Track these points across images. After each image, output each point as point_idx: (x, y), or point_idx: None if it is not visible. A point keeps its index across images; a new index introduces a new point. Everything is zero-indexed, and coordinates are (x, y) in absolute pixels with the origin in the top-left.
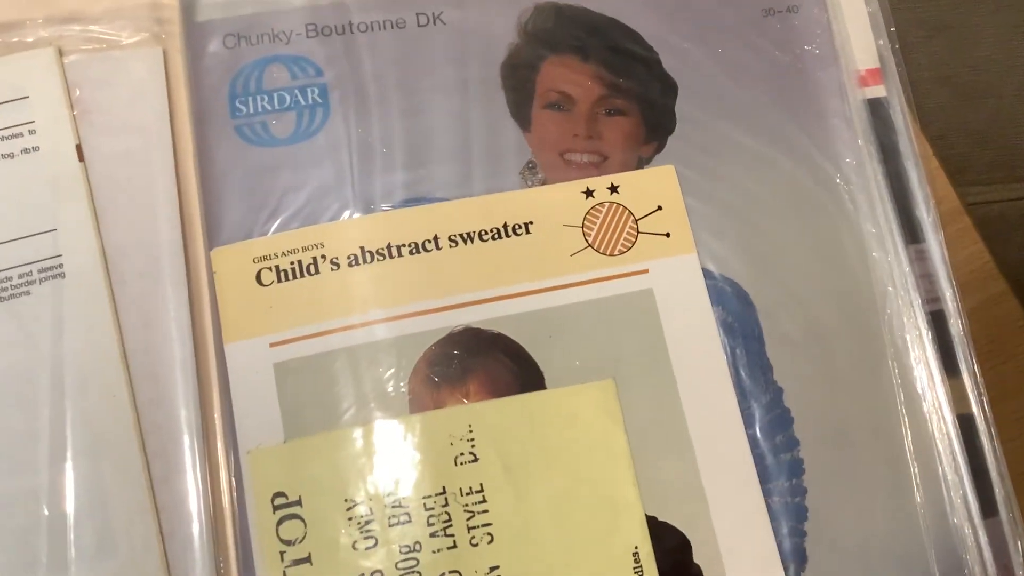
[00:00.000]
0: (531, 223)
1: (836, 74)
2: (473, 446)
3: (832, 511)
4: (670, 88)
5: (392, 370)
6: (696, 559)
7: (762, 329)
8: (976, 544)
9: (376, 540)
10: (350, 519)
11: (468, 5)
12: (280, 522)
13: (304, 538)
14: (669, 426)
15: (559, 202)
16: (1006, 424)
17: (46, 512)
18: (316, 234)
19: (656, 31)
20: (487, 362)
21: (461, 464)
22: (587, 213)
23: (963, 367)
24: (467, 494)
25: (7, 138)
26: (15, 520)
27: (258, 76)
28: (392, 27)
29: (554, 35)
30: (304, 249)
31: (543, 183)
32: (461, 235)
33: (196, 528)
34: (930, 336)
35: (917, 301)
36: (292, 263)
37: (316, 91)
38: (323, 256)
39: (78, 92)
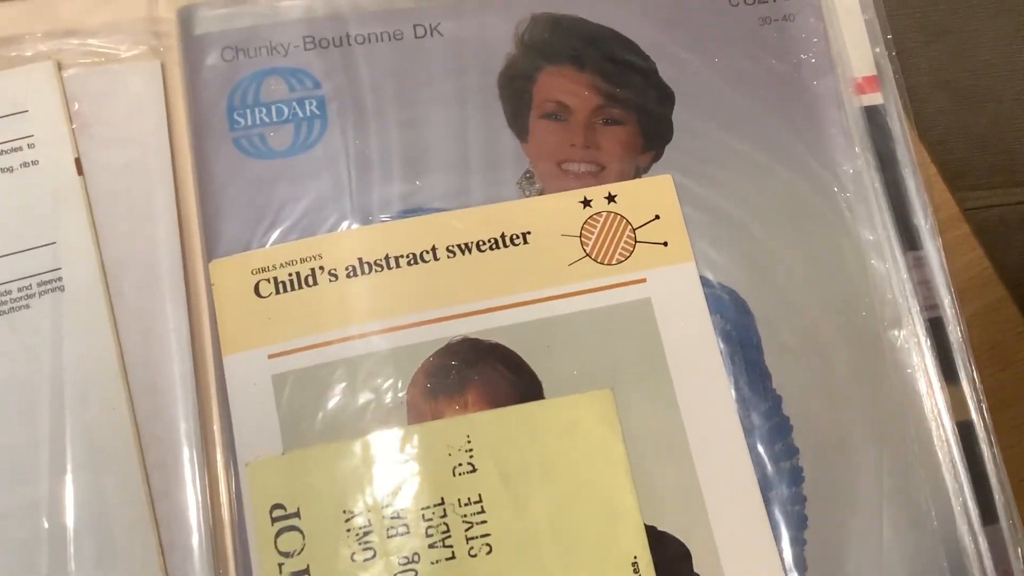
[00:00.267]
0: (529, 233)
1: (833, 82)
2: (471, 456)
3: (832, 519)
4: (667, 97)
5: (390, 381)
6: (696, 569)
7: (761, 337)
8: (976, 551)
9: (375, 551)
10: (348, 531)
11: (465, 16)
12: (279, 534)
13: (303, 550)
14: (668, 435)
15: (557, 212)
16: (1006, 431)
17: (46, 524)
18: (314, 246)
19: (653, 40)
20: (485, 372)
21: (459, 475)
22: (585, 223)
23: (962, 374)
24: (465, 505)
25: (6, 152)
26: (16, 532)
27: (256, 88)
28: (389, 39)
29: (551, 45)
30: (302, 261)
31: (540, 193)
32: (459, 245)
33: (196, 540)
34: (929, 343)
35: (916, 308)
36: (290, 275)
37: (314, 103)
38: (321, 267)
39: (77, 105)
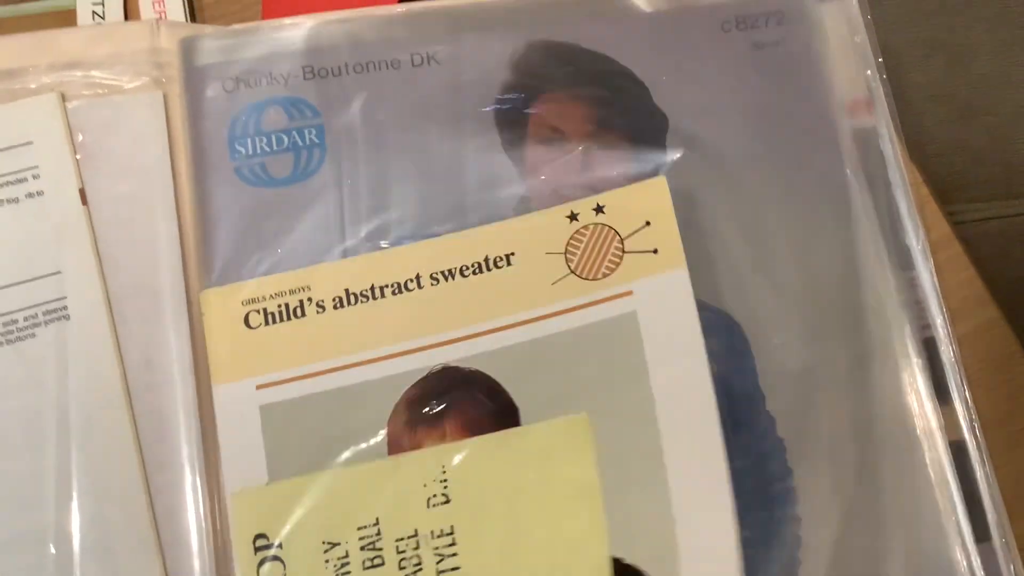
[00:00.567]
0: (513, 254)
1: (825, 105)
2: (445, 487)
3: (826, 540)
4: (661, 122)
5: (374, 412)
6: None
7: (754, 360)
8: (969, 569)
9: None
10: (327, 561)
11: (461, 44)
12: (260, 564)
13: None
14: (644, 461)
15: (542, 229)
16: (999, 450)
17: (53, 551)
18: (303, 277)
19: (646, 66)
20: (462, 401)
21: (433, 506)
22: (570, 238)
23: (955, 394)
24: (438, 536)
25: (12, 183)
26: (23, 559)
27: (256, 118)
28: (387, 67)
29: (546, 72)
30: (291, 292)
31: None
32: (443, 272)
33: (198, 565)
34: (922, 363)
35: (908, 328)
36: (279, 306)
37: (313, 132)
38: (309, 299)
39: (81, 137)
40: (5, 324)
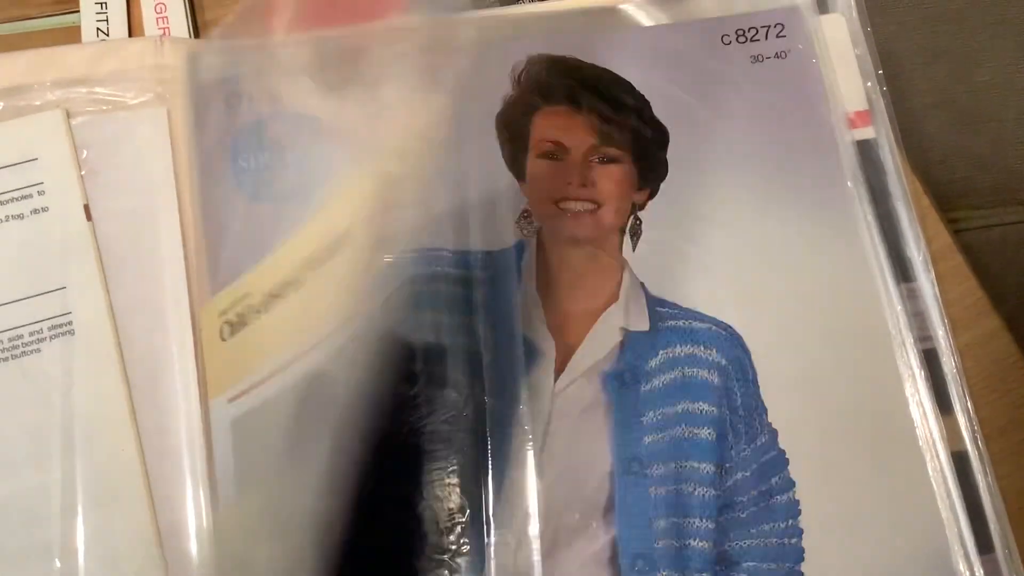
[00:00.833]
0: None
1: (825, 117)
2: None
3: (829, 552)
4: (662, 135)
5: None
6: None
7: (756, 371)
8: None
9: None
10: None
11: (462, 59)
12: None
13: None
14: None
15: None
16: (1001, 460)
17: (58, 564)
18: (245, 284)
19: (647, 80)
20: None
21: None
22: None
23: (957, 405)
24: None
25: (17, 199)
26: (28, 573)
27: (260, 133)
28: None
29: (547, 86)
30: (239, 300)
31: (539, 231)
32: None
33: None
34: (923, 374)
35: (910, 340)
36: (236, 315)
37: (314, 148)
38: (249, 305)
39: (85, 153)
40: (11, 339)
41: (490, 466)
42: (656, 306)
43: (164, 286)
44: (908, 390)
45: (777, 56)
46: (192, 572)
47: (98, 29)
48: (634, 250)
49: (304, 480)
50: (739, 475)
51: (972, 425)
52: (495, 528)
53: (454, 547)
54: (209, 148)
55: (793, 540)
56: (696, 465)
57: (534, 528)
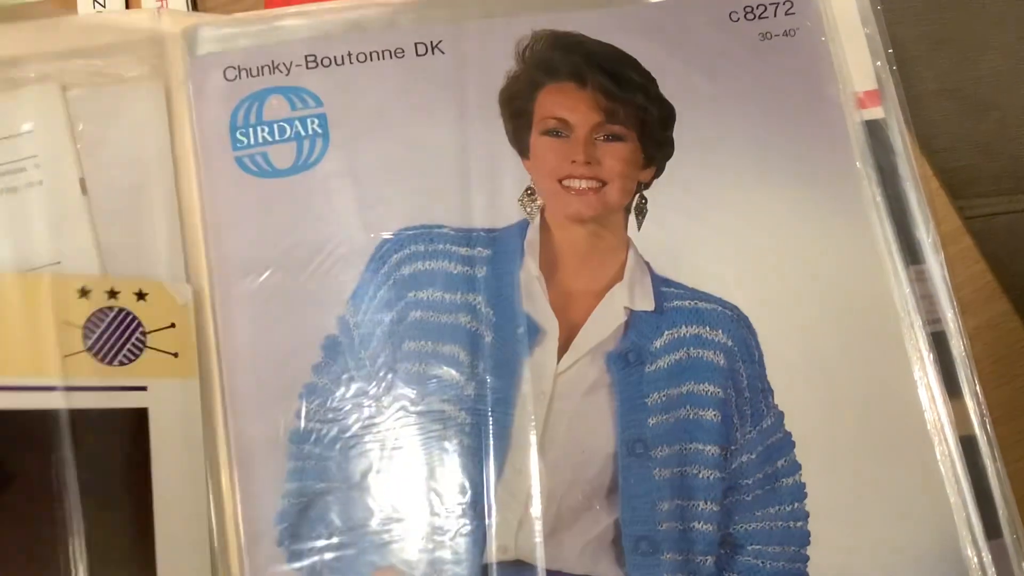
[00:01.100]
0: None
1: (834, 97)
2: None
3: (835, 535)
4: (668, 113)
5: None
6: None
7: (762, 353)
8: (980, 565)
9: None
10: None
11: (466, 34)
12: None
13: None
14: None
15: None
16: (1009, 445)
17: None
18: None
19: (654, 57)
20: None
21: None
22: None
23: (965, 388)
24: None
25: (11, 172)
26: None
27: (258, 108)
28: (391, 56)
29: (552, 62)
30: None
31: (542, 210)
32: None
33: None
34: (932, 357)
35: (918, 322)
36: None
37: (316, 122)
38: None
39: (81, 126)
40: None
41: (491, 446)
42: (661, 286)
43: (161, 262)
44: (916, 373)
45: (785, 34)
46: None
47: (95, 1)
48: (639, 229)
49: None
50: (744, 457)
51: (981, 409)
52: (496, 509)
53: (455, 528)
54: (208, 122)
55: (799, 523)
56: (701, 447)
57: (536, 509)
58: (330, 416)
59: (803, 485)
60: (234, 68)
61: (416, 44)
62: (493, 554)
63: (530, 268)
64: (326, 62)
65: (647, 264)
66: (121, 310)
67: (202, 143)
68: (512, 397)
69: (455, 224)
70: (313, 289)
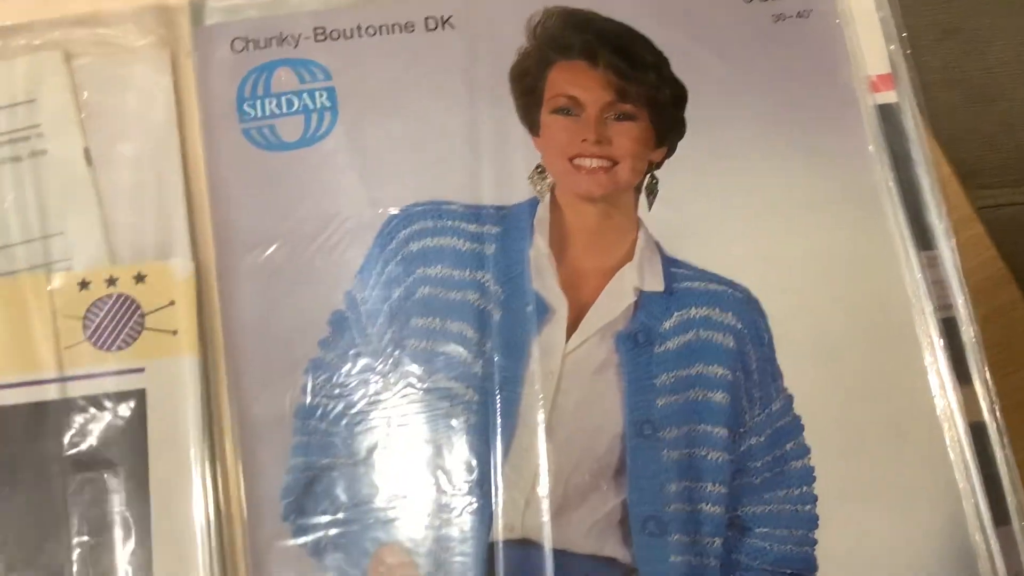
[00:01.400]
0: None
1: (847, 80)
2: None
3: (844, 519)
4: (680, 93)
5: None
6: None
7: (772, 336)
8: (988, 552)
9: None
10: None
11: (477, 9)
12: None
13: None
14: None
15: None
16: (1019, 432)
17: None
18: None
19: (666, 36)
20: None
21: None
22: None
23: (975, 375)
24: None
25: (15, 141)
26: None
27: (266, 80)
28: (401, 31)
29: (563, 39)
30: None
31: (552, 188)
32: None
33: None
34: (942, 344)
35: (929, 308)
36: None
37: (324, 95)
38: None
39: (86, 95)
40: None
41: (499, 425)
42: (672, 267)
43: (167, 233)
44: (927, 359)
45: (799, 15)
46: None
47: None
48: (650, 209)
49: None
50: (753, 440)
51: (990, 396)
52: (503, 488)
53: (461, 506)
54: (214, 94)
55: (807, 507)
56: (709, 429)
57: (543, 488)
58: (336, 392)
59: (812, 468)
60: (242, 39)
61: (426, 19)
62: (499, 532)
63: (540, 246)
64: (335, 35)
65: (657, 244)
66: (120, 296)
67: (208, 115)
68: (520, 375)
69: (464, 200)
70: (320, 264)
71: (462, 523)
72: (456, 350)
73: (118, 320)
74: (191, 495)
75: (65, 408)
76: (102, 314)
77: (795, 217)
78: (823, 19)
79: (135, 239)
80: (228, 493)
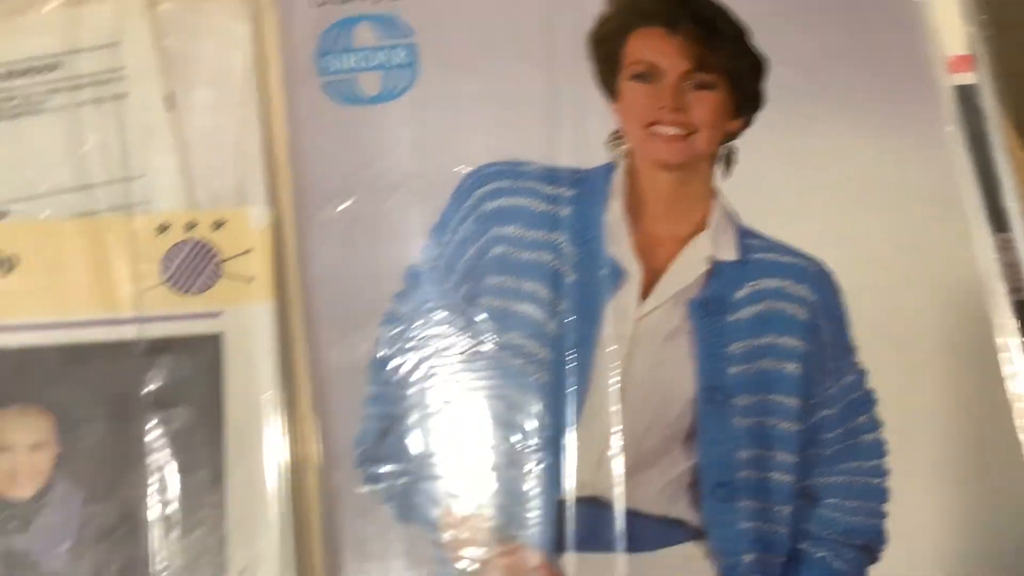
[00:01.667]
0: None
1: (926, 59)
2: None
3: (914, 494)
4: (759, 65)
5: None
6: None
7: (846, 310)
8: None
9: None
10: None
11: None
12: None
13: None
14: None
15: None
16: None
17: None
18: None
19: (747, 8)
20: None
21: None
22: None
23: None
24: None
25: (98, 83)
26: None
27: (347, 34)
28: None
29: (643, 6)
30: None
31: (629, 153)
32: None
33: None
34: (1015, 325)
35: (1002, 290)
36: None
37: (404, 51)
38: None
39: (168, 41)
40: None
41: (571, 385)
42: (746, 237)
43: (244, 181)
44: (999, 340)
45: None
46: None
47: None
48: (726, 179)
49: None
50: (825, 412)
51: None
52: (575, 446)
53: (532, 462)
54: (294, 46)
55: (877, 480)
56: (781, 399)
57: (615, 449)
58: (410, 345)
59: (883, 442)
60: None
61: None
62: (570, 490)
63: (615, 211)
64: None
65: (733, 214)
66: (198, 241)
67: (288, 66)
68: (593, 337)
69: (540, 162)
70: (396, 218)
71: (533, 479)
72: (530, 309)
73: (196, 264)
74: (265, 439)
75: (142, 348)
76: (180, 258)
77: (870, 193)
78: None
79: (213, 186)
80: (302, 439)
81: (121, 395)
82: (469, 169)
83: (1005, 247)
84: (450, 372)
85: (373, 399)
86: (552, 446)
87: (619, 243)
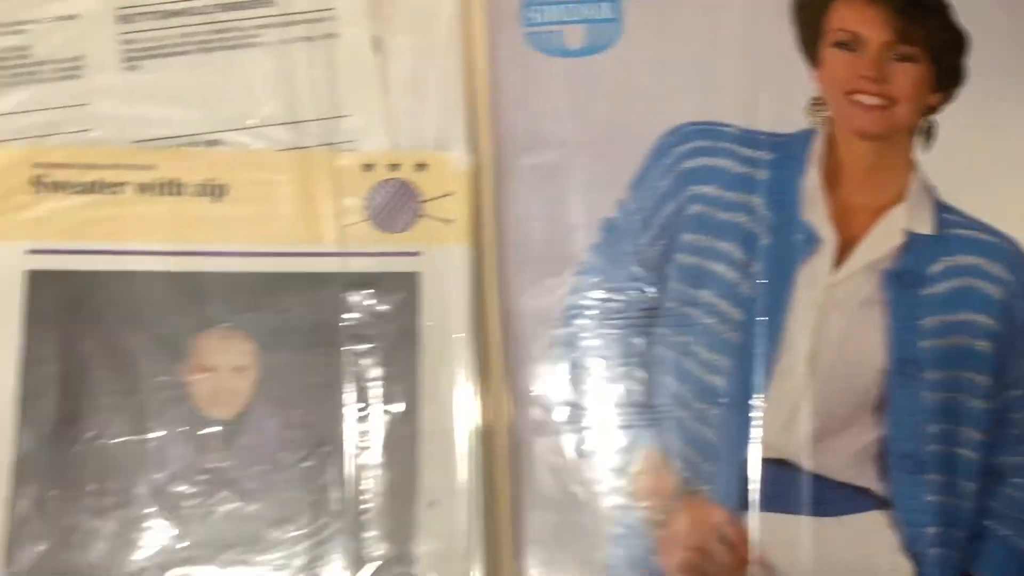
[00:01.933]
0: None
1: None
2: None
3: None
4: (960, 40)
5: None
6: None
7: None
8: None
9: None
10: None
11: None
12: None
13: None
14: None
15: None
16: None
17: None
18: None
19: None
20: None
21: None
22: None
23: None
24: None
25: (309, 22)
26: None
27: None
28: None
29: None
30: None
31: (829, 121)
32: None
33: None
34: None
35: None
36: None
37: (609, 7)
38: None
39: None
40: None
41: (763, 347)
42: (943, 212)
43: (446, 128)
44: None
45: None
46: None
47: None
48: (926, 152)
49: None
50: (1015, 392)
51: None
52: (765, 408)
53: (721, 420)
54: None
55: None
56: (972, 375)
57: (805, 413)
58: (604, 296)
59: None
60: None
61: None
62: (758, 451)
63: (813, 177)
64: None
65: (931, 188)
66: (401, 182)
67: (493, 16)
68: (785, 301)
69: (740, 124)
70: (595, 171)
71: (722, 436)
72: (723, 269)
73: (398, 204)
74: (457, 378)
75: (343, 281)
76: (383, 196)
77: None
78: None
79: (415, 129)
80: (491, 380)
81: (320, 325)
82: (671, 127)
83: None
84: (642, 326)
85: (563, 345)
86: (741, 406)
87: (815, 210)
